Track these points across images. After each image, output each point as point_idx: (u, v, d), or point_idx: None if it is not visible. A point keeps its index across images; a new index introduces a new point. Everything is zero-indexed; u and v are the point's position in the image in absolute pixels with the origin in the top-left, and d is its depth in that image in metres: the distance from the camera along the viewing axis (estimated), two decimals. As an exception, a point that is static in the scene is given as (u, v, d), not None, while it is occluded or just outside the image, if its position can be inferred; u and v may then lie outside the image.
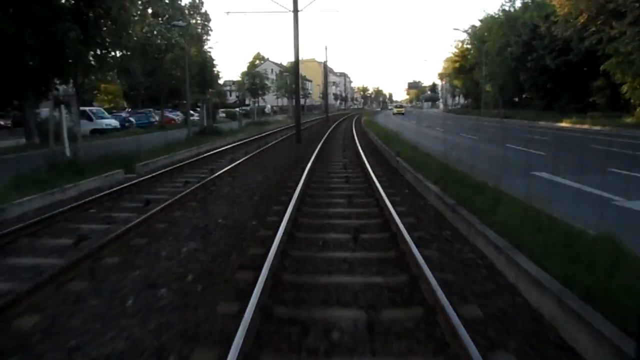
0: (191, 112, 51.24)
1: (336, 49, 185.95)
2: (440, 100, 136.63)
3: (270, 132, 26.49)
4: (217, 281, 4.22)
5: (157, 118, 35.77)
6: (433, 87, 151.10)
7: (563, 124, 32.06)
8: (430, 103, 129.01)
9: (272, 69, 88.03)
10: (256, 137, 22.87)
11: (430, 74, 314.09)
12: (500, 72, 47.10)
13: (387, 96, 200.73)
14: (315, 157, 13.09)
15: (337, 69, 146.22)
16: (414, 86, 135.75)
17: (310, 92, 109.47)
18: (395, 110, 74.81)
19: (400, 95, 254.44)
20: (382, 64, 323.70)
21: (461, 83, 77.66)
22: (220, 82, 77.67)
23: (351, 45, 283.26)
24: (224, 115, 47.06)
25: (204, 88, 23.04)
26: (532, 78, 41.39)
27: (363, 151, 13.94)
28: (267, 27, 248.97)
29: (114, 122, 27.68)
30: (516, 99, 54.87)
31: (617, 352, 2.60)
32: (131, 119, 31.32)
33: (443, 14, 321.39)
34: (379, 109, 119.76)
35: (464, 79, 74.52)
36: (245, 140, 20.20)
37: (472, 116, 51.13)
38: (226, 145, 17.99)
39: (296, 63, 19.54)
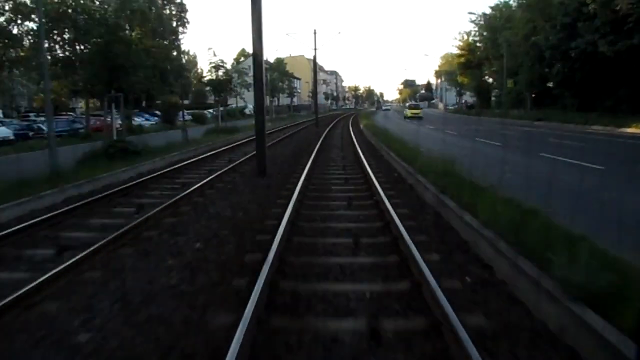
0: (158, 113, 42.33)
1: (326, 45, 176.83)
2: (437, 99, 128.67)
3: (228, 147, 17.71)
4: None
5: (94, 123, 26.81)
6: (428, 85, 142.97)
7: (632, 130, 23.80)
8: (426, 103, 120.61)
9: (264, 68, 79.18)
10: (199, 158, 14.11)
11: (424, 73, 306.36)
12: (526, 64, 38.67)
13: (379, 95, 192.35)
14: (285, 234, 4.50)
15: (327, 67, 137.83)
16: (409, 84, 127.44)
17: (299, 90, 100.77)
18: (409, 112, 49.99)
19: (391, 94, 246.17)
20: (372, 62, 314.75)
21: (468, 80, 69.39)
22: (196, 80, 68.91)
23: (341, 42, 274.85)
24: (190, 118, 38.09)
25: (112, 76, 14.05)
26: (572, 70, 33.04)
27: (405, 227, 5.25)
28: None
29: (2, 132, 18.78)
30: (532, 95, 46.61)
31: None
32: (42, 125, 22.34)
33: (438, 8, 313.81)
34: (373, 109, 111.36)
35: (472, 75, 66.27)
36: (168, 170, 11.40)
37: (490, 118, 42.74)
38: (117, 186, 9.19)
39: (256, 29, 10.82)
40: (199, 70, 75.72)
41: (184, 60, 74.83)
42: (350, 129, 27.17)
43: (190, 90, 68.39)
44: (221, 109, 50.17)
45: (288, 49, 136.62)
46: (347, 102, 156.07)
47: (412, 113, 48.56)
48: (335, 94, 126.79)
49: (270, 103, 48.20)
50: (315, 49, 32.11)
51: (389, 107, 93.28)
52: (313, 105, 69.19)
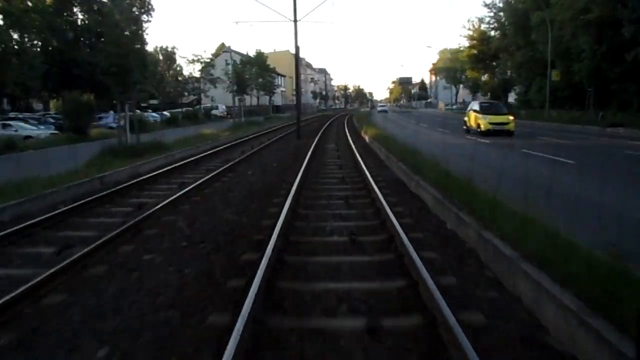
0: (103, 115, 30.71)
1: (314, 41, 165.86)
2: (431, 98, 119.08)
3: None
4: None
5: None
6: (422, 84, 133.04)
7: None
8: (423, 102, 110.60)
9: (234, 60, 68.33)
10: None
11: (417, 71, 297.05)
12: (589, 49, 28.59)
13: (372, 94, 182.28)
14: None
15: (316, 64, 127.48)
16: (405, 82, 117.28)
17: (283, 88, 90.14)
18: (484, 122, 20.87)
19: (381, 93, 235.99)
20: (362, 60, 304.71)
21: (478, 75, 59.29)
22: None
23: (329, 38, 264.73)
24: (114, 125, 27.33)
25: None
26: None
27: None
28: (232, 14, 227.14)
29: None
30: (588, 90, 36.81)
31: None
32: None
33: (431, 3, 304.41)
34: (367, 109, 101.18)
35: (485, 70, 56.29)
36: None
37: (530, 122, 32.64)
38: None
39: None
40: (177, 67, 64.81)
41: (160, 57, 63.99)
42: (352, 143, 16.74)
43: (159, 87, 57.66)
44: (180, 111, 39.41)
45: (271, 45, 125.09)
46: (336, 101, 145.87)
47: (494, 123, 20.63)
48: (324, 92, 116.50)
49: (238, 102, 37.48)
50: (295, 21, 21.67)
51: (385, 107, 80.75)
52: (300, 105, 58.92)
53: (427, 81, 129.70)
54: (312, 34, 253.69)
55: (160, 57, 71.08)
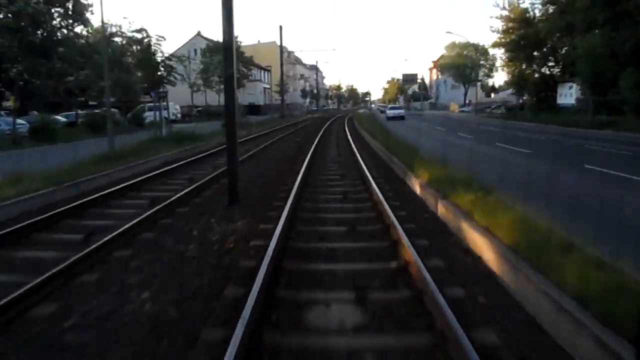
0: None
1: (305, 38, 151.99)
2: (433, 97, 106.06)
3: None
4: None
5: None
6: (422, 82, 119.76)
7: None
8: (426, 103, 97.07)
9: (201, 48, 53.90)
10: None
11: (417, 68, 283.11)
12: None
13: (369, 94, 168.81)
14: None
15: (306, 60, 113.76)
16: (410, 79, 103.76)
17: (267, 85, 76.15)
18: None
19: (376, 93, 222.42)
20: (354, 58, 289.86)
21: (513, 67, 45.36)
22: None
23: (319, 35, 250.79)
24: None
25: None
26: None
27: None
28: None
29: None
30: None
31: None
32: None
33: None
34: (366, 110, 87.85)
35: (527, 61, 42.55)
36: None
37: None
38: None
39: None
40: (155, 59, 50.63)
41: (134, 48, 49.90)
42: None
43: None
44: (70, 114, 24.67)
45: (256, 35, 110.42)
46: (329, 101, 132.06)
47: None
48: (315, 91, 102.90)
49: (157, 100, 23.24)
50: None
51: (401, 112, 51.08)
52: (290, 106, 44.67)
53: (426, 80, 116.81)
54: (304, 29, 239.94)
55: (134, 49, 56.23)
